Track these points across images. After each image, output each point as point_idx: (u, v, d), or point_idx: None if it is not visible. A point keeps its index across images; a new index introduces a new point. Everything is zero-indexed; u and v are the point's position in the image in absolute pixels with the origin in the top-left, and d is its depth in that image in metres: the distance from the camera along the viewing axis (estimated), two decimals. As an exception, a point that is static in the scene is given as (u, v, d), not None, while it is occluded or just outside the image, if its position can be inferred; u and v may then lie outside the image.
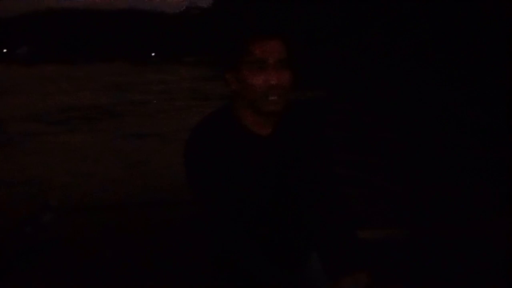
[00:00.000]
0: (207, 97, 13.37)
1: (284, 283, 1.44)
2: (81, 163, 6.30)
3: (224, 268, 1.50)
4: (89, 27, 64.21)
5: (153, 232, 3.48)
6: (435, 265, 2.78)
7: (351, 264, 1.44)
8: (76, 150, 7.17)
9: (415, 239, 3.16)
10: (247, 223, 1.46)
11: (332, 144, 1.60)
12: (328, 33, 14.42)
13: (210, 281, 1.56)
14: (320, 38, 14.63)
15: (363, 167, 4.87)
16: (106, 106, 12.75)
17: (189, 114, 10.19)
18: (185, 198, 1.67)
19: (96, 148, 7.27)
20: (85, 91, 16.25)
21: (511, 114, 5.61)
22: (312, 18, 15.56)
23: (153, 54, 47.75)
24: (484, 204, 3.78)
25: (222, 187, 1.43)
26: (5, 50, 56.99)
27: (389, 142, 6.05)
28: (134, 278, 2.86)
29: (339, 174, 1.60)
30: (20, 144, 7.83)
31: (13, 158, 6.85)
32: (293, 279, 1.51)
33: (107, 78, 21.76)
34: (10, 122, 10.19)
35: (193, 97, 14.25)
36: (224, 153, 1.43)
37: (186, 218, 3.51)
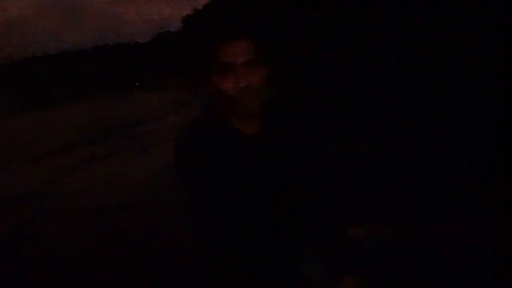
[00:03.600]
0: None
1: (285, 281, 1.45)
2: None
3: (219, 266, 1.50)
4: (64, 70, 63.19)
5: (153, 232, 3.49)
6: (431, 264, 2.78)
7: (344, 267, 1.46)
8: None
9: (411, 238, 3.17)
10: (241, 222, 1.46)
11: (322, 138, 1.59)
12: (324, 35, 14.38)
13: (210, 281, 1.57)
14: (314, 40, 14.58)
15: (360, 165, 4.88)
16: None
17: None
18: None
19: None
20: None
21: (510, 114, 5.61)
22: (306, 20, 15.53)
23: (137, 83, 46.96)
24: (483, 203, 3.78)
25: (214, 187, 1.43)
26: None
27: (386, 140, 6.05)
28: (134, 278, 2.87)
29: (333, 169, 1.60)
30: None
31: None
32: (291, 278, 1.52)
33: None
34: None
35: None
36: (213, 154, 1.44)
37: (187, 218, 3.52)
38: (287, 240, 1.55)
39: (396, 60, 10.77)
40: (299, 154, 1.53)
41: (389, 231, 3.27)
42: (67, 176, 6.61)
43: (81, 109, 26.66)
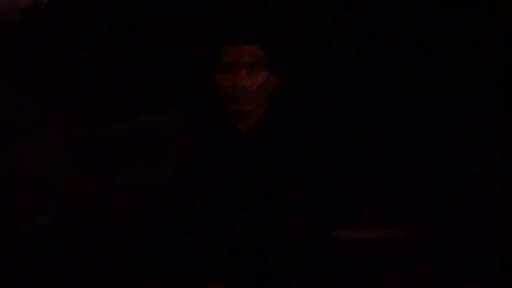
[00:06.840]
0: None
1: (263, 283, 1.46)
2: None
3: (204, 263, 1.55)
4: None
5: (153, 232, 3.50)
6: (432, 265, 2.79)
7: (325, 271, 1.48)
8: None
9: (412, 240, 3.18)
10: (218, 220, 1.50)
11: (317, 146, 1.59)
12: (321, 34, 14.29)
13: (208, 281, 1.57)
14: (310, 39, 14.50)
15: (358, 166, 4.87)
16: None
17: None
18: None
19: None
20: None
21: (511, 114, 5.62)
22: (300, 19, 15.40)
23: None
24: (484, 204, 3.78)
25: (201, 179, 1.53)
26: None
27: (386, 140, 6.05)
28: (134, 278, 2.87)
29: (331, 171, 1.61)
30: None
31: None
32: (269, 280, 1.50)
33: None
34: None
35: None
36: (209, 148, 1.55)
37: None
38: (266, 242, 1.53)
39: (395, 60, 10.77)
40: (293, 156, 1.54)
41: (391, 233, 3.27)
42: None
43: None
